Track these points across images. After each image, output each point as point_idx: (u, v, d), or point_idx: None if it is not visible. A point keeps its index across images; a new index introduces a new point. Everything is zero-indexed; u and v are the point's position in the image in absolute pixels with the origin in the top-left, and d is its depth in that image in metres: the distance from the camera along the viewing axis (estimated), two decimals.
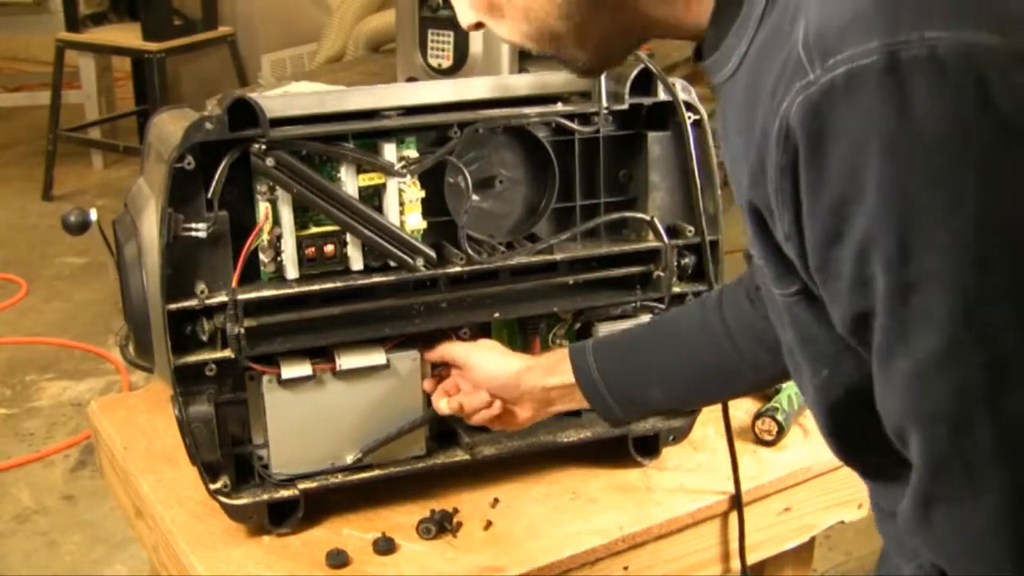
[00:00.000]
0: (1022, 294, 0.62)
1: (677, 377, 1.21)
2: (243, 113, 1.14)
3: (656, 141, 1.32)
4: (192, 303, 1.17)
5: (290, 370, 1.22)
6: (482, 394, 1.26)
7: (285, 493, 1.25)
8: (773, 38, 0.71)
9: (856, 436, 0.83)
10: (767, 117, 0.68)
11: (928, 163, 0.61)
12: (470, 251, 1.25)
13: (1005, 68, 0.61)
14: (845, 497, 1.42)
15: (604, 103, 1.29)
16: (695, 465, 1.39)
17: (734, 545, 1.34)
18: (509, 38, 0.88)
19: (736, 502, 1.32)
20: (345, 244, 1.22)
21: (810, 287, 0.73)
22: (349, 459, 1.28)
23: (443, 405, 1.27)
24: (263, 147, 1.15)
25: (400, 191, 1.22)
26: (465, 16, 0.90)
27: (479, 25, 0.89)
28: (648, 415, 1.32)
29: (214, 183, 1.15)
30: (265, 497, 1.24)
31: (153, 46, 4.37)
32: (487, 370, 1.25)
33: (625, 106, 1.29)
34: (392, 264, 1.23)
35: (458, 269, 1.25)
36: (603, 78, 1.27)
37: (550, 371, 1.24)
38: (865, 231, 0.64)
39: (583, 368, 1.22)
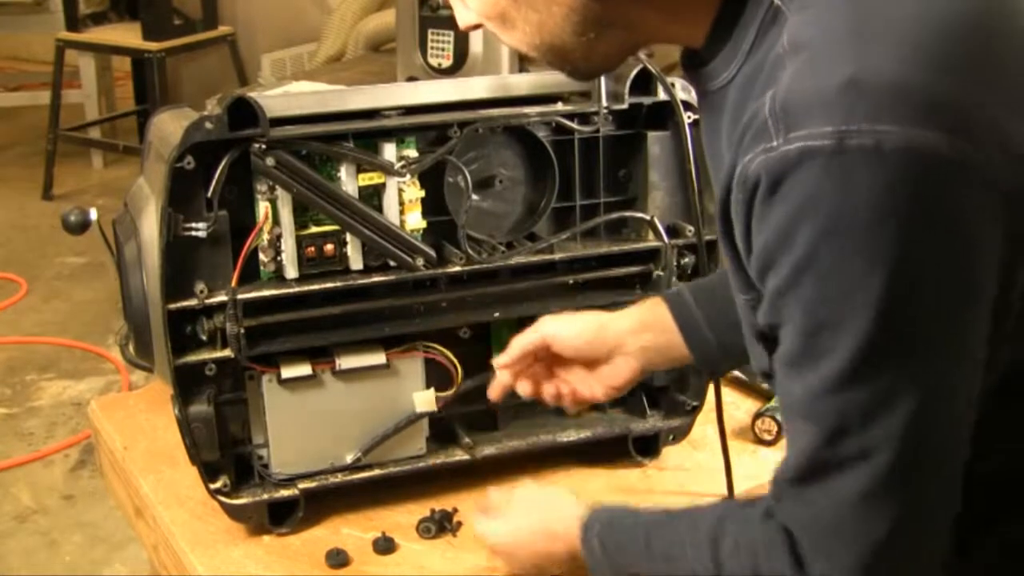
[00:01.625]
0: (908, 350, 0.75)
1: None
2: (243, 113, 1.14)
3: (656, 141, 1.32)
4: (192, 303, 1.17)
5: (290, 370, 1.22)
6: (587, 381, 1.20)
7: (285, 493, 1.25)
8: (755, 73, 0.81)
9: None
10: (734, 156, 0.79)
11: (852, 235, 0.72)
12: (470, 251, 1.25)
13: (941, 170, 0.71)
14: None
15: (604, 103, 1.29)
16: (695, 465, 1.38)
17: None
18: (516, 47, 0.91)
19: None
20: (345, 244, 1.22)
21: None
22: (349, 459, 1.28)
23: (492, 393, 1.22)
24: (263, 147, 1.15)
25: (400, 191, 1.22)
26: (464, 18, 0.92)
27: (477, 26, 0.92)
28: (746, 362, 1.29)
29: (214, 183, 1.15)
30: (265, 497, 1.24)
31: (153, 46, 4.37)
32: (569, 335, 1.18)
33: (625, 106, 1.29)
34: (392, 264, 1.23)
35: (458, 269, 1.25)
36: (603, 78, 1.27)
37: (643, 320, 1.18)
38: (787, 275, 0.76)
39: (684, 312, 1.16)
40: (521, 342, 1.20)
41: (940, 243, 0.72)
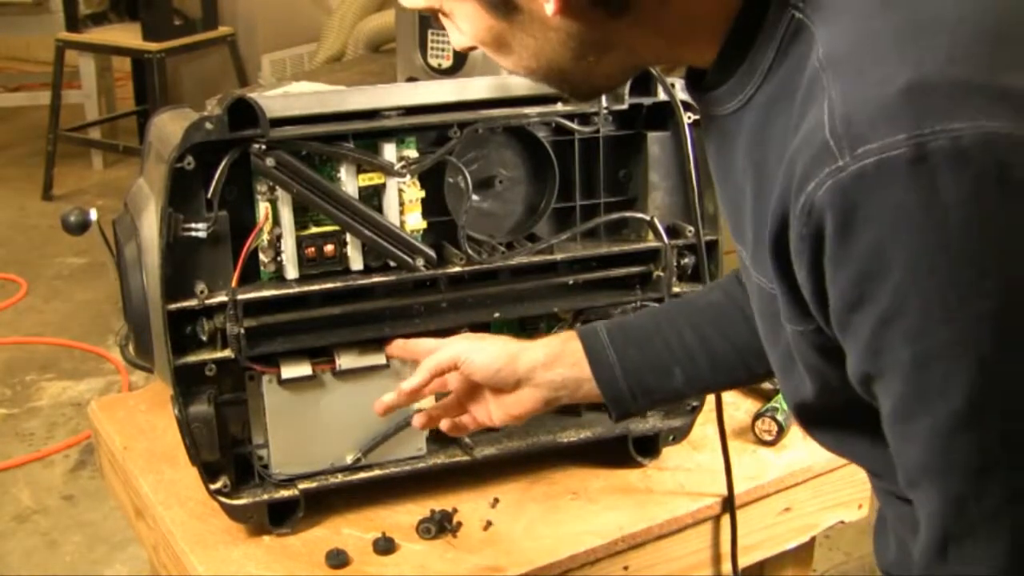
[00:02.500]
0: None
1: (704, 356, 1.15)
2: (243, 113, 1.14)
3: (656, 141, 1.32)
4: (192, 303, 1.17)
5: (290, 370, 1.22)
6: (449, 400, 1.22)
7: (285, 493, 1.25)
8: (784, 92, 0.76)
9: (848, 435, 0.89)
10: (786, 187, 0.72)
11: (952, 244, 0.66)
12: (470, 251, 1.25)
13: (1021, 154, 0.66)
14: (845, 497, 1.42)
15: (604, 103, 1.29)
16: (695, 465, 1.38)
17: None
18: (514, 70, 0.88)
19: (729, 505, 1.31)
20: (345, 244, 1.22)
21: (823, 328, 0.77)
22: (349, 459, 1.28)
23: (415, 422, 1.24)
24: (263, 147, 1.15)
25: (400, 191, 1.22)
26: (458, 40, 0.89)
27: (472, 48, 0.89)
28: (658, 405, 1.29)
29: (214, 183, 1.15)
30: (265, 497, 1.24)
31: (153, 46, 4.37)
32: (481, 360, 1.17)
33: (625, 106, 1.29)
34: (392, 264, 1.23)
35: (458, 269, 1.25)
36: None
37: (554, 354, 1.17)
38: (889, 304, 0.68)
39: (597, 350, 1.15)
40: (429, 364, 1.19)
41: None
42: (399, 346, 1.25)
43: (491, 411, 1.21)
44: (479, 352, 1.18)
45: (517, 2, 0.81)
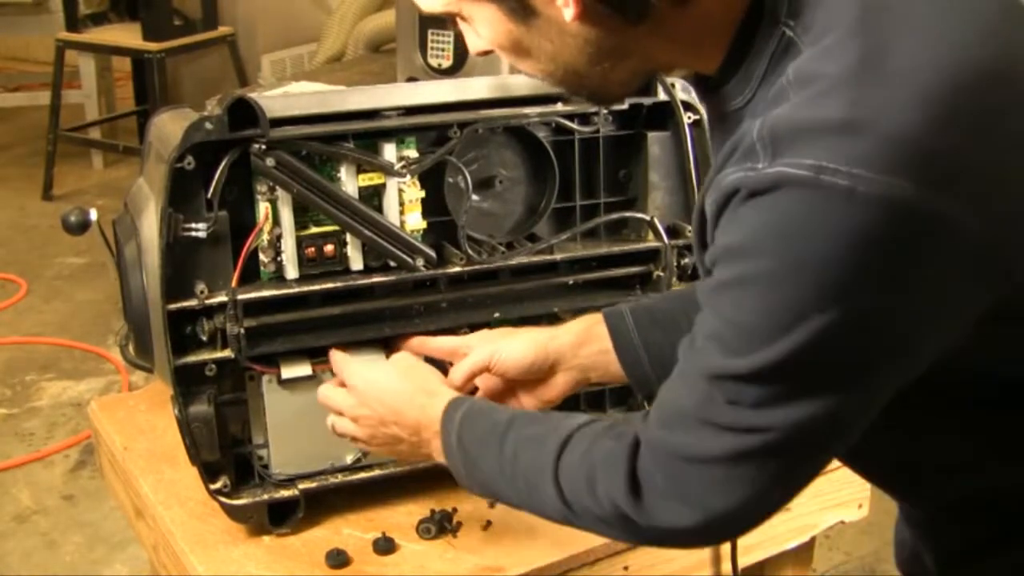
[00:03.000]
0: (821, 378, 0.77)
1: None
2: (243, 113, 1.14)
3: (656, 141, 1.32)
4: (192, 303, 1.17)
5: (290, 370, 1.22)
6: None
7: (285, 493, 1.25)
8: (767, 99, 0.81)
9: None
10: (718, 168, 0.80)
11: (808, 268, 0.73)
12: (470, 251, 1.25)
13: (910, 224, 0.71)
14: (845, 497, 1.42)
15: None
16: None
17: None
18: (531, 74, 0.91)
19: None
20: (345, 244, 1.22)
21: None
22: (349, 459, 1.28)
23: None
24: (263, 147, 1.15)
25: (400, 191, 1.22)
26: (475, 44, 0.91)
27: (488, 52, 0.91)
28: None
29: (214, 183, 1.15)
30: (265, 497, 1.24)
31: (153, 46, 4.37)
32: (513, 357, 1.18)
33: (625, 106, 1.29)
34: (392, 264, 1.23)
35: (458, 269, 1.25)
36: None
37: (581, 337, 1.19)
38: (735, 278, 0.78)
39: (622, 333, 1.17)
40: (463, 369, 1.19)
41: (891, 296, 0.73)
42: (417, 343, 1.25)
43: (522, 399, 1.21)
44: (508, 350, 1.18)
45: (536, 7, 0.84)
